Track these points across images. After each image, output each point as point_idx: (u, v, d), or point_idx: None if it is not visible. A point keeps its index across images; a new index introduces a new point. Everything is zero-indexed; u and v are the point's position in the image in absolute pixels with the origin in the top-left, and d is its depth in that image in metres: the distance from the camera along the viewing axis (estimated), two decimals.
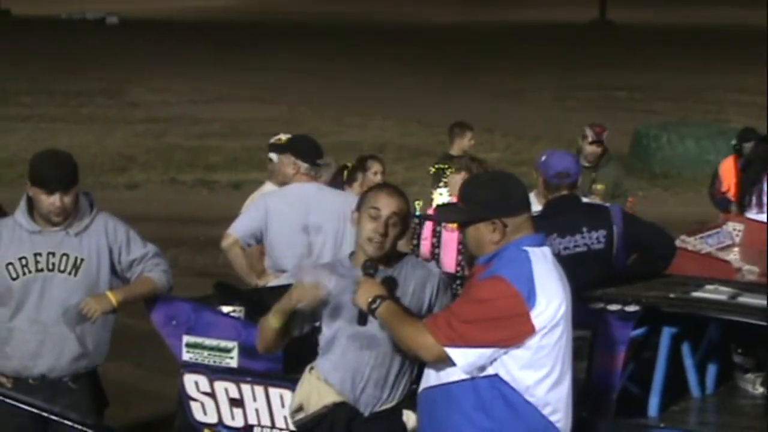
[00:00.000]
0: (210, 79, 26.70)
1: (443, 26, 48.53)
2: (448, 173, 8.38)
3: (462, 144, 9.83)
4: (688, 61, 32.71)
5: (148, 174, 15.85)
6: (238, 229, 6.07)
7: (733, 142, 9.84)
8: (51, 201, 4.60)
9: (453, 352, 3.75)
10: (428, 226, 5.61)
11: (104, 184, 14.35)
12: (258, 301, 5.08)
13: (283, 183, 6.23)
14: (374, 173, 7.86)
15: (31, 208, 4.69)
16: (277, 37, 39.47)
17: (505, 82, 27.54)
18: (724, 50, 36.00)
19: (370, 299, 3.97)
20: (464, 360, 3.75)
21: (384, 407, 4.23)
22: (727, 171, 9.46)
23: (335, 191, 6.34)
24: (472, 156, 8.09)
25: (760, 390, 4.83)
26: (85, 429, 4.65)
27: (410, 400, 4.15)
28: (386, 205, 4.13)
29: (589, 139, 8.31)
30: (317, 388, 4.27)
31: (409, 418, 4.20)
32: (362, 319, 4.08)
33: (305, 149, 6.19)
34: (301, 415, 4.33)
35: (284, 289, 4.89)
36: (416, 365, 4.13)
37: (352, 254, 4.29)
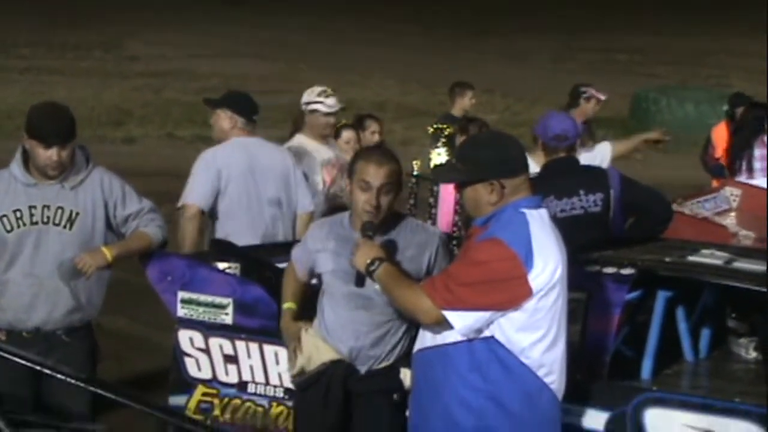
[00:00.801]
0: (210, 34, 26.54)
1: None
2: (446, 133, 8.35)
3: (463, 103, 9.79)
4: (692, 24, 32.53)
5: (145, 128, 15.78)
6: (197, 197, 5.84)
7: (725, 107, 9.76)
8: (48, 155, 4.57)
9: (450, 315, 3.74)
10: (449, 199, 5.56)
11: (101, 137, 14.29)
12: (254, 259, 5.08)
13: (219, 138, 6.16)
14: (372, 133, 7.82)
15: (27, 160, 4.65)
16: None
17: (507, 43, 27.40)
18: (729, 14, 35.78)
19: (368, 261, 3.96)
20: (462, 323, 3.74)
21: (381, 365, 4.25)
22: (720, 137, 9.37)
23: (272, 147, 6.21)
24: (483, 121, 8.07)
25: (753, 355, 4.84)
26: (78, 382, 4.65)
27: (408, 358, 4.16)
28: (375, 177, 4.11)
29: (600, 98, 8.35)
30: (316, 347, 4.28)
31: (406, 376, 4.21)
32: (360, 280, 4.08)
33: (242, 104, 6.11)
34: (302, 377, 4.35)
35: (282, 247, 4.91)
36: (414, 326, 4.13)
37: (351, 216, 4.27)
